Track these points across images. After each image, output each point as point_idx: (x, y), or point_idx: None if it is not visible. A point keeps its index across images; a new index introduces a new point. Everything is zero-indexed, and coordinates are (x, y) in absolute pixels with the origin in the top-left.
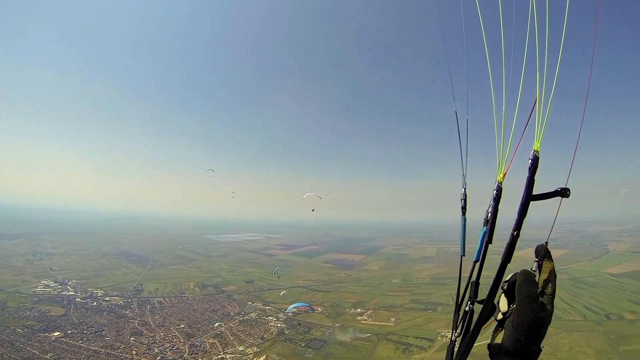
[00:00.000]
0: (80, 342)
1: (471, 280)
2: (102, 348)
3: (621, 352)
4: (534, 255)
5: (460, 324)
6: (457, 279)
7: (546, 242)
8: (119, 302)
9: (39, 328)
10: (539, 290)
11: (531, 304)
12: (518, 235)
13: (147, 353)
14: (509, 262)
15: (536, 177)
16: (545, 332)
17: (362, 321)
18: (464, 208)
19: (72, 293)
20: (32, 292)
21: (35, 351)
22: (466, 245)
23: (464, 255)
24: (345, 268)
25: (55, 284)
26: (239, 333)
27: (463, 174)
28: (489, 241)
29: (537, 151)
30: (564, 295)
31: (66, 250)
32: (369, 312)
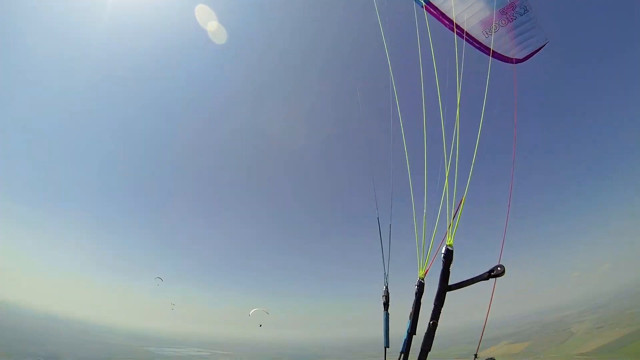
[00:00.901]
0: None
1: None
2: None
3: None
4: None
5: None
6: None
7: (475, 355)
8: None
9: None
10: None
11: None
12: (435, 324)
13: None
14: (430, 350)
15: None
16: None
17: None
18: (385, 304)
19: None
20: None
21: None
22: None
23: (388, 347)
24: None
25: None
26: None
27: (385, 274)
28: (413, 332)
29: (450, 245)
30: None
31: None
32: None
